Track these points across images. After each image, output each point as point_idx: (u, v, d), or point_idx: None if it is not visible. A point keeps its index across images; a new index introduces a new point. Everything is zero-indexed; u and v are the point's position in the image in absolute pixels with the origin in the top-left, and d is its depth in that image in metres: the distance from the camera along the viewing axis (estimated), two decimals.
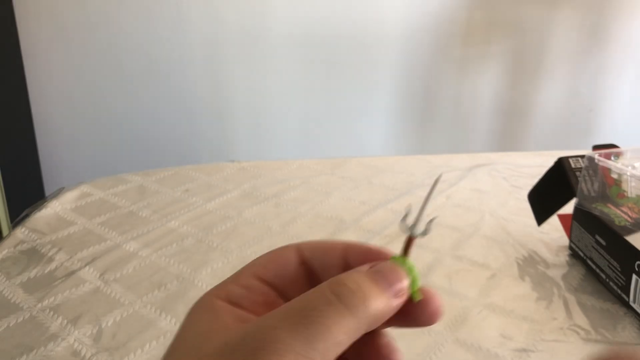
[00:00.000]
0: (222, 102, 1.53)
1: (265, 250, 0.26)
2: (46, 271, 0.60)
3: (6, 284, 0.57)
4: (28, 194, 1.36)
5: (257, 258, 0.25)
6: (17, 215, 0.74)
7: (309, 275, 0.25)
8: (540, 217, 0.67)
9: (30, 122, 1.40)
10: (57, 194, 0.79)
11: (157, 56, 1.46)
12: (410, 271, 0.22)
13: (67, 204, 0.76)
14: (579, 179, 0.60)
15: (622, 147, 0.62)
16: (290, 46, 1.49)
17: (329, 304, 0.20)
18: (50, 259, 0.62)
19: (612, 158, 0.59)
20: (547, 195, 0.66)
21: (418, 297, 0.22)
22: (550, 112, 1.65)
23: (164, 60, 1.46)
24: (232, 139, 1.57)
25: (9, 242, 0.66)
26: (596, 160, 0.58)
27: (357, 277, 0.21)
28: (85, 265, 0.61)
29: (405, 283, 0.22)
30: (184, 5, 1.42)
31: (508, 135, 1.68)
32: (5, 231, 1.26)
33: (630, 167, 0.58)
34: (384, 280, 0.22)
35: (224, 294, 0.23)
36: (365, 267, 0.22)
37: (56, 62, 1.42)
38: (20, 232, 0.68)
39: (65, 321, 0.51)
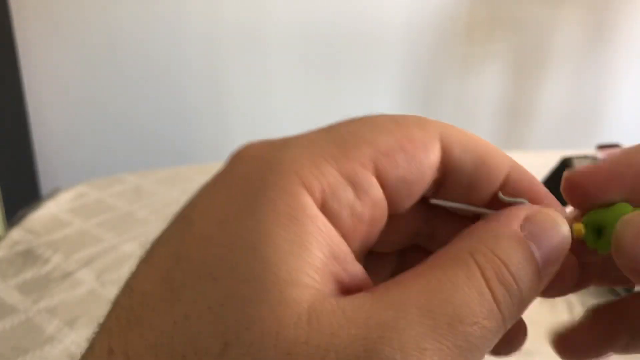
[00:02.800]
0: (220, 101, 1.53)
1: None
2: (42, 273, 0.59)
3: (2, 285, 0.57)
4: (24, 195, 1.35)
5: (375, 128, 0.16)
6: (13, 216, 0.73)
7: (439, 181, 0.16)
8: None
9: (26, 121, 1.39)
10: (53, 194, 0.78)
11: (156, 55, 1.45)
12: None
13: (63, 205, 0.75)
14: None
15: (627, 146, 0.61)
16: (290, 45, 1.49)
17: (492, 318, 0.14)
18: (47, 261, 0.61)
19: None
20: None
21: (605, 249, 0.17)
22: (554, 110, 1.64)
23: (162, 59, 1.46)
24: (230, 138, 1.56)
25: (4, 243, 0.65)
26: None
27: (528, 270, 0.15)
28: (82, 267, 0.60)
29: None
30: (182, 3, 1.42)
31: (511, 134, 1.67)
32: (0, 232, 1.25)
33: None
34: (550, 273, 0.15)
35: (318, 188, 0.14)
36: (520, 217, 0.15)
37: (53, 60, 1.42)
38: (16, 233, 0.67)
39: (62, 323, 0.51)
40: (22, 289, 0.56)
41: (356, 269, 0.15)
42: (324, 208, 0.14)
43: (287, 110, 1.57)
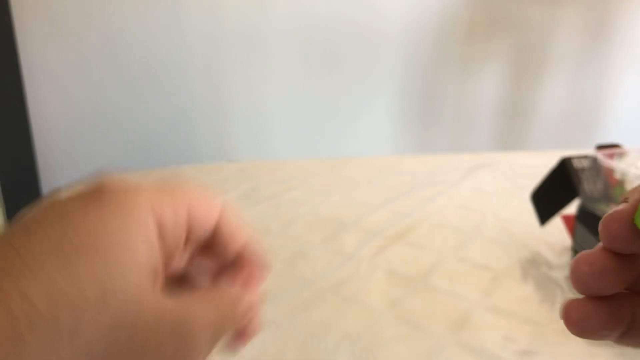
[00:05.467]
0: (221, 102, 1.53)
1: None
2: None
3: None
4: (25, 194, 1.36)
5: (188, 189, 0.24)
6: (14, 215, 0.73)
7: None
8: (544, 217, 0.66)
9: (27, 120, 1.39)
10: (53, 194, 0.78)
11: (156, 56, 1.45)
12: None
13: None
14: (582, 179, 0.59)
15: (626, 146, 0.62)
16: (290, 45, 1.49)
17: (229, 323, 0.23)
18: None
19: (616, 158, 0.59)
20: (550, 196, 0.66)
21: None
22: (553, 111, 1.64)
23: (162, 60, 1.46)
24: (231, 139, 1.57)
25: None
26: (599, 161, 0.58)
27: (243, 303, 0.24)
28: None
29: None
30: (182, 4, 1.42)
31: (510, 134, 1.67)
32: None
33: (633, 167, 0.57)
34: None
35: (159, 212, 0.22)
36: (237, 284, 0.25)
37: (54, 61, 1.42)
38: None
39: None
40: None
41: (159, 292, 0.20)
42: (159, 230, 0.21)
43: (287, 111, 1.57)
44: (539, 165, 0.86)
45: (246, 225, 0.25)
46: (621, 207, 0.19)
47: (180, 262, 0.25)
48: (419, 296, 0.56)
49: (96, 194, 0.21)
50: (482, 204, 0.78)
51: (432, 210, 0.75)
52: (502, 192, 0.82)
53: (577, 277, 0.20)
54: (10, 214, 1.23)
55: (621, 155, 0.59)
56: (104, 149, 1.51)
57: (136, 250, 0.19)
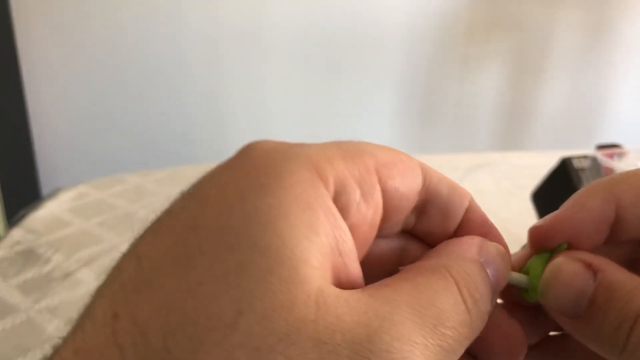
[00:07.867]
0: (221, 101, 1.53)
1: None
2: (43, 272, 0.59)
3: (2, 285, 0.57)
4: (24, 194, 1.36)
5: (374, 146, 0.17)
6: (13, 215, 0.74)
7: (420, 207, 0.19)
8: (544, 217, 0.66)
9: (27, 121, 1.39)
10: (53, 194, 0.78)
11: (156, 55, 1.45)
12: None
13: (64, 204, 0.75)
14: (582, 179, 0.59)
15: (626, 146, 0.62)
16: (290, 45, 1.49)
17: (465, 326, 0.15)
18: (47, 260, 0.61)
19: (616, 158, 0.59)
20: (550, 196, 0.66)
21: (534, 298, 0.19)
22: (553, 111, 1.64)
23: (162, 59, 1.46)
24: (230, 139, 1.57)
25: (5, 243, 0.65)
26: (599, 161, 0.58)
27: (487, 288, 0.16)
28: (83, 267, 0.60)
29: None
30: (182, 4, 1.42)
31: (510, 134, 1.67)
32: (1, 232, 1.25)
33: (633, 167, 0.57)
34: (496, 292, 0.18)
35: (332, 182, 0.15)
36: (474, 250, 0.18)
37: (53, 61, 1.42)
38: (17, 233, 0.67)
39: (62, 323, 0.51)
40: (22, 288, 0.56)
41: (355, 268, 0.16)
42: (335, 201, 0.15)
43: (287, 111, 1.57)
44: (539, 165, 0.86)
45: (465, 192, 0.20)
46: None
47: (379, 246, 0.19)
48: None
49: (238, 161, 0.16)
50: (482, 204, 0.77)
51: None
52: (502, 192, 0.82)
53: None
54: (10, 214, 1.23)
55: (621, 155, 0.59)
56: (103, 149, 1.51)
57: (301, 235, 0.14)
